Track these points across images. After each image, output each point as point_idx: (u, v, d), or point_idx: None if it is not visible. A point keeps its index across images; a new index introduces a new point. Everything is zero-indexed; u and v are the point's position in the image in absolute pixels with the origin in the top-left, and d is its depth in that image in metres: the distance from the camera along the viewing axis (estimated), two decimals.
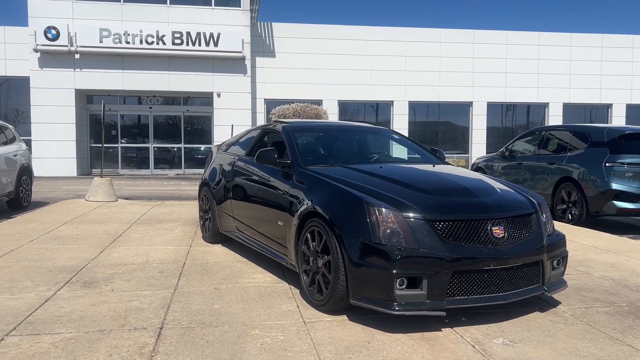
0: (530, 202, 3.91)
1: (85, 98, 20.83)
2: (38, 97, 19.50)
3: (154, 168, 21.43)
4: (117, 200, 10.51)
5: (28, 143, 19.68)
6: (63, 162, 19.68)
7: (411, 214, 3.44)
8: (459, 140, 23.76)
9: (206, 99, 21.24)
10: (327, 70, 22.13)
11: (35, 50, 19.16)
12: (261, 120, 21.97)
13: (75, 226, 7.28)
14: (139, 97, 21.36)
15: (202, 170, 20.31)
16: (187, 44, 19.78)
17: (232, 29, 20.16)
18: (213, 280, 4.56)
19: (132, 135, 21.65)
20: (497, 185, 4.13)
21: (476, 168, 11.28)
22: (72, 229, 7.02)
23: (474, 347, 3.17)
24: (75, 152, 19.87)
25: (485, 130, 23.37)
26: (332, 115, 21.90)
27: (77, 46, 19.31)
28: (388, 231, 3.39)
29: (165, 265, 5.10)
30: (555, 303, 3.99)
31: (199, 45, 19.86)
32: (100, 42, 19.36)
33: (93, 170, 21.02)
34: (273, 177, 4.67)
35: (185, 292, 4.19)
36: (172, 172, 21.34)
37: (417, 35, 22.73)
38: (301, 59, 21.93)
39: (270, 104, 21.40)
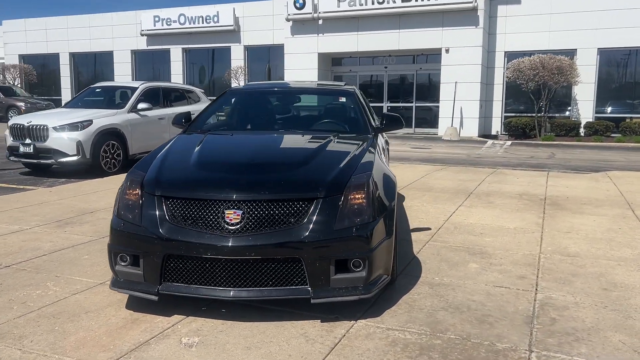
0: (322, 185, 3.14)
1: (330, 61, 22.58)
2: (290, 61, 22.05)
3: None
4: None
5: None
6: None
7: (148, 189, 3.24)
8: None
9: (434, 55, 20.62)
10: (583, 13, 18.92)
11: (287, 20, 21.59)
12: (499, 77, 20.35)
13: None
14: (373, 58, 22.06)
15: (431, 130, 20.46)
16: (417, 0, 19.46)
17: None
18: None
19: (368, 95, 22.60)
20: (315, 161, 3.48)
21: None
22: None
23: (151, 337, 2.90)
24: None
25: None
26: (588, 68, 18.80)
27: (320, 12, 20.98)
28: (129, 204, 3.27)
29: None
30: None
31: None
32: (338, 6, 20.60)
33: None
34: None
35: None
36: (400, 132, 21.62)
37: None
38: (551, 1, 19.26)
39: (512, 56, 19.56)
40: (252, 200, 3.05)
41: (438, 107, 20.32)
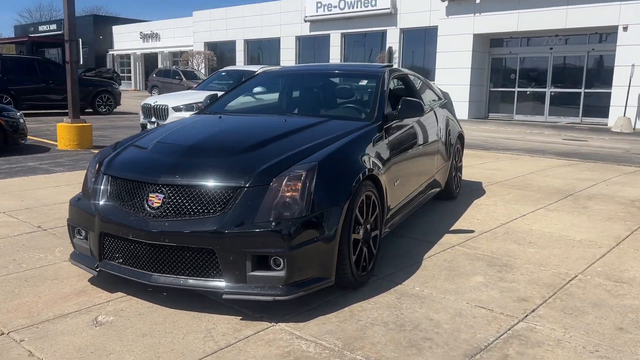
0: (249, 174, 2.92)
1: (487, 42, 21.03)
2: (443, 44, 21.06)
3: (549, 115, 19.89)
4: None
5: None
6: (456, 106, 20.77)
7: (103, 168, 3.32)
8: None
9: (608, 34, 17.90)
10: None
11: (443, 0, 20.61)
12: None
13: None
14: (538, 38, 19.95)
15: (601, 120, 17.84)
16: None
17: None
18: None
19: (529, 79, 20.59)
20: (266, 148, 3.25)
21: None
22: None
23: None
24: (468, 96, 20.62)
25: None
26: None
27: None
28: (88, 181, 3.40)
29: None
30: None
31: None
32: None
33: (490, 114, 21.33)
34: None
35: None
36: (565, 120, 19.32)
37: None
38: None
39: None
40: (174, 184, 2.98)
41: (610, 93, 17.68)
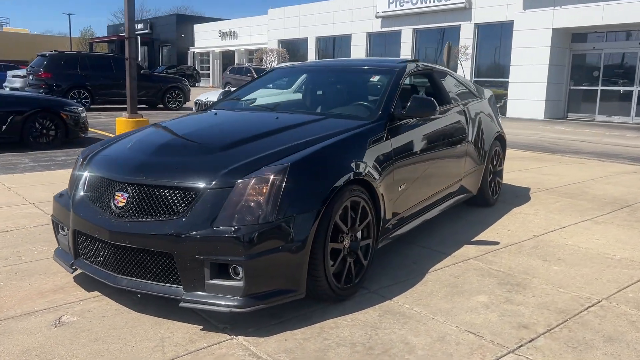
0: (213, 175, 2.73)
1: (568, 37, 19.67)
2: (519, 39, 19.95)
3: (635, 115, 18.27)
4: None
5: (505, 85, 20.76)
6: (532, 105, 19.65)
7: (84, 164, 3.28)
8: None
9: None
10: None
11: None
12: None
13: None
14: (627, 32, 18.37)
15: None
16: None
17: None
18: None
19: (615, 76, 19.01)
20: (240, 147, 3.06)
21: None
22: None
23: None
24: (545, 94, 19.38)
25: None
26: None
27: None
28: (72, 177, 3.35)
29: None
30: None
31: None
32: None
33: (569, 114, 19.96)
34: None
35: None
36: None
37: None
38: None
39: None
40: (138, 184, 2.85)
41: None
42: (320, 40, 30.75)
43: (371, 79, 4.20)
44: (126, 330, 2.75)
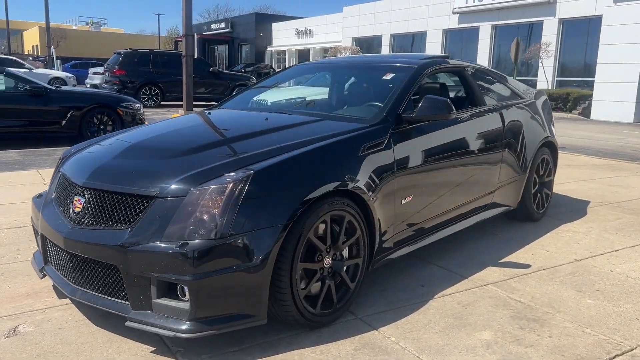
0: (167, 181, 2.48)
1: None
2: (608, 35, 18.39)
3: None
4: None
5: (590, 85, 19.24)
6: (620, 107, 18.03)
7: (61, 162, 3.16)
8: None
9: None
10: None
11: None
12: None
13: None
14: None
15: None
16: None
17: None
18: None
19: None
20: (210, 151, 2.80)
21: None
22: None
23: None
24: (636, 95, 17.71)
25: None
26: None
27: None
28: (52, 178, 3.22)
29: None
30: None
31: None
32: None
33: None
34: None
35: None
36: None
37: None
38: None
39: None
40: (94, 188, 2.64)
41: None
42: (394, 37, 30.07)
43: (384, 77, 3.77)
44: (74, 346, 2.55)
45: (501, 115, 4.27)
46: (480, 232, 4.43)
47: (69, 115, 9.23)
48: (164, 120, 3.88)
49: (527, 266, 3.73)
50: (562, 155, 9.21)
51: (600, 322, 2.91)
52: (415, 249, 3.42)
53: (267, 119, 3.44)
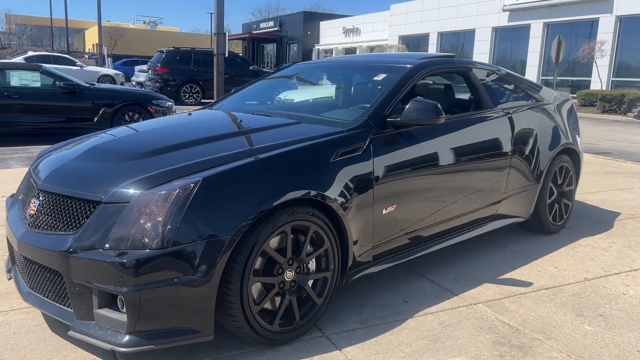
0: (113, 186, 2.38)
1: None
2: None
3: None
4: None
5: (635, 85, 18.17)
6: None
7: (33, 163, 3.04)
8: None
9: None
10: None
11: None
12: None
13: None
14: None
15: None
16: None
17: None
18: None
19: None
20: (168, 154, 2.67)
21: None
22: None
23: None
24: None
25: None
26: None
27: None
28: None
29: None
30: None
31: None
32: None
33: None
34: None
35: None
36: None
37: None
38: None
39: None
40: (48, 191, 2.57)
41: None
42: (442, 35, 29.40)
43: (375, 78, 3.55)
44: (22, 353, 2.48)
45: (510, 119, 3.96)
46: (486, 244, 4.14)
47: (100, 112, 9.41)
48: (145, 121, 3.81)
49: (529, 284, 3.43)
50: (604, 161, 8.65)
51: (594, 353, 2.61)
52: (398, 263, 3.20)
53: (241, 120, 3.30)
